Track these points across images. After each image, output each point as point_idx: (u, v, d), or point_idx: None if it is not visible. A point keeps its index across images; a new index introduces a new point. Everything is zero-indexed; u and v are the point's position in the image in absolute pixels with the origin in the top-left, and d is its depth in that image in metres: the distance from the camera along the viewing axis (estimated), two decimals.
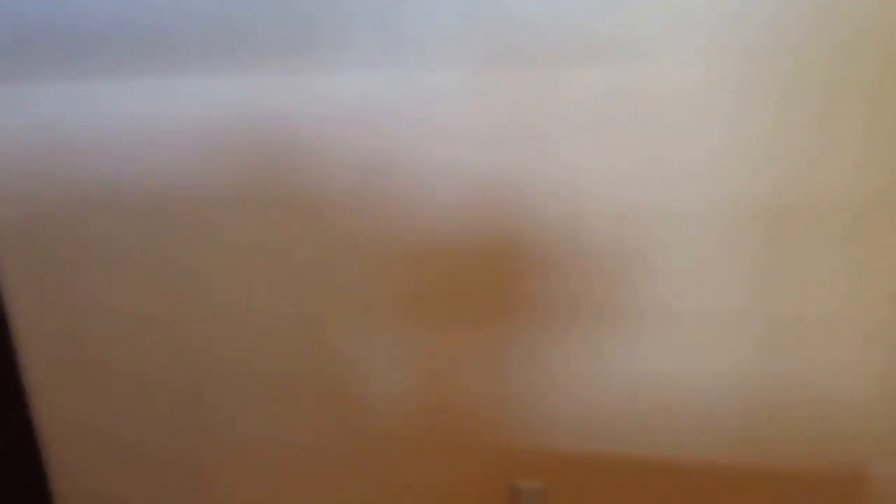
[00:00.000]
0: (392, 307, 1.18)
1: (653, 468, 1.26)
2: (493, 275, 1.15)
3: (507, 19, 1.00)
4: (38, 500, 1.35)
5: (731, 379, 1.19)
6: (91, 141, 1.12)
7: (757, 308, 1.14)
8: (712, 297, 1.14)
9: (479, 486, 1.30)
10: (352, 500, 1.34)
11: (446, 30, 1.01)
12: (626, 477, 1.27)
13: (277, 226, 1.15)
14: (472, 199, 1.10)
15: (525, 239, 1.12)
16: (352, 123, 1.08)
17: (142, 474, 1.35)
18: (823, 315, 1.14)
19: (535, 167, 1.08)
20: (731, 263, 1.11)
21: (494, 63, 1.03)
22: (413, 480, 1.31)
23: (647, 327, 1.16)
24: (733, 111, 1.03)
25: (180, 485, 1.35)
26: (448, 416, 1.25)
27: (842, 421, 1.20)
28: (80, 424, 1.32)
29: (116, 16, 1.04)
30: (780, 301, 1.13)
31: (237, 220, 1.15)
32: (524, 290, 1.15)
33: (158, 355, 1.26)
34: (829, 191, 1.07)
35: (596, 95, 1.03)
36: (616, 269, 1.13)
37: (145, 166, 1.13)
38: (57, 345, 1.26)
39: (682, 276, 1.13)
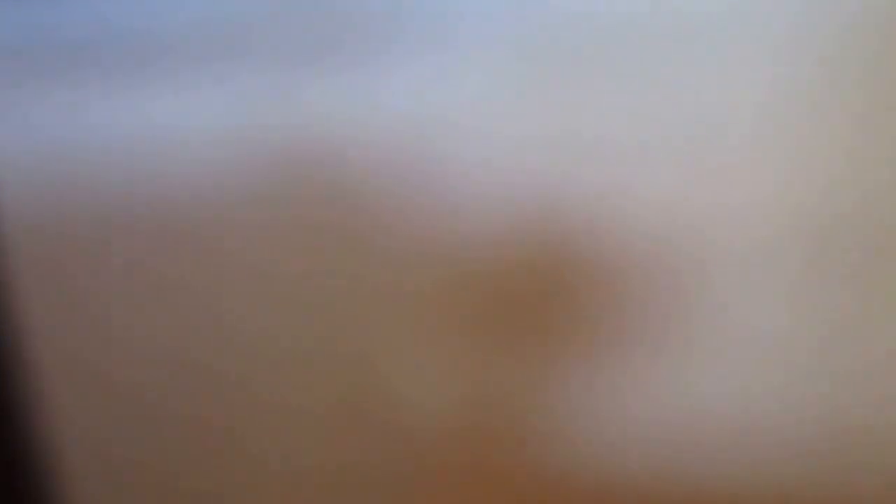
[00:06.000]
0: (431, 332, 1.16)
1: (702, 500, 1.23)
2: (540, 298, 1.12)
3: (564, 22, 0.98)
4: None
5: (783, 404, 1.16)
6: (108, 155, 1.09)
7: (812, 329, 1.11)
8: (760, 318, 1.11)
9: None
10: None
11: (495, 31, 0.99)
12: None
13: (308, 248, 1.12)
14: (521, 217, 1.08)
15: (573, 261, 1.09)
16: (388, 134, 1.05)
17: None
18: (880, 334, 1.11)
19: (583, 185, 1.05)
20: (778, 282, 1.09)
21: (549, 68, 1.00)
22: None
23: (696, 352, 1.13)
24: (793, 121, 1.00)
25: None
26: (489, 444, 1.23)
27: None
28: (95, 448, 1.29)
29: (130, 23, 1.01)
30: (835, 321, 1.10)
31: (266, 245, 1.12)
32: (570, 314, 1.12)
33: (184, 386, 1.23)
34: (878, 204, 1.04)
35: (647, 108, 1.01)
36: (662, 290, 1.10)
37: (166, 183, 1.10)
38: (72, 367, 1.23)
39: (730, 297, 1.10)
